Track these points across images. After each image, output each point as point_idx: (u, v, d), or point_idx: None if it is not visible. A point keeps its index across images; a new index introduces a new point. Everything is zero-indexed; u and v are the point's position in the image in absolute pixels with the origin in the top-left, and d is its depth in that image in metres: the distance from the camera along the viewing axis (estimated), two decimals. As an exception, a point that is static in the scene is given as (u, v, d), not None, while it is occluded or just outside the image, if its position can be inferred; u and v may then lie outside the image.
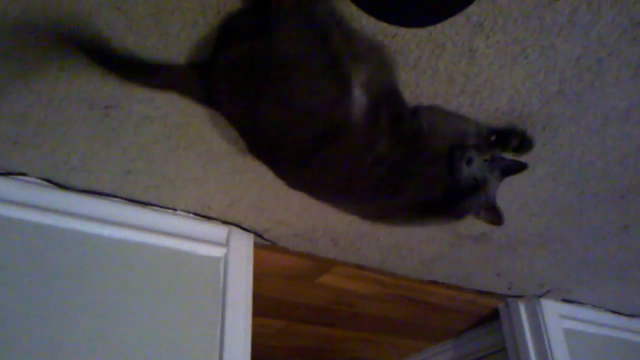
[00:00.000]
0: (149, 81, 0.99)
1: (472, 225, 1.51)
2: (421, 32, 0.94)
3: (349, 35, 0.91)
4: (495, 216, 1.18)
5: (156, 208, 1.38)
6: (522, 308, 2.00)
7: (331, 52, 0.89)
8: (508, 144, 1.15)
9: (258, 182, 1.29)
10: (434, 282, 1.87)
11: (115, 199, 1.33)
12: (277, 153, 1.03)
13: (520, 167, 1.18)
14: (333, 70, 0.91)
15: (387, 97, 0.99)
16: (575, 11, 0.91)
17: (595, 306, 2.11)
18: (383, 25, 0.92)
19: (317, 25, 0.87)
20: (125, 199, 1.34)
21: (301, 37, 0.87)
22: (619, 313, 2.17)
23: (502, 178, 1.16)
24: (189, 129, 1.13)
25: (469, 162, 1.08)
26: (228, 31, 0.91)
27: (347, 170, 1.05)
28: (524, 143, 1.16)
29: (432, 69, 1.02)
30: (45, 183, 1.26)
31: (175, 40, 0.94)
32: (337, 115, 0.95)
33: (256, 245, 1.53)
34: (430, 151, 1.09)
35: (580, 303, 2.07)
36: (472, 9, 0.89)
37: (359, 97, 0.95)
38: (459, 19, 0.91)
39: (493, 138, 1.16)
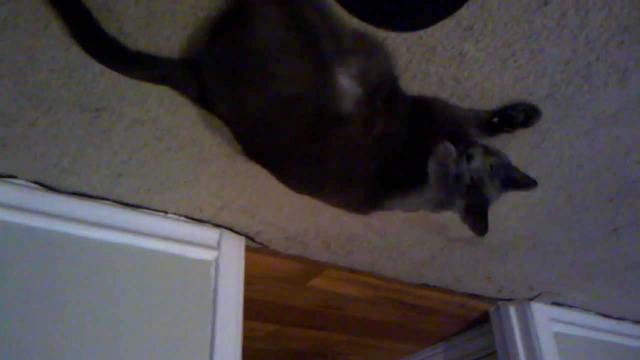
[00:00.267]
0: (146, 74, 0.98)
1: (462, 228, 1.51)
2: (411, 36, 0.95)
3: (337, 30, 0.91)
4: (480, 225, 1.10)
5: (147, 211, 1.38)
6: (512, 311, 2.01)
7: (306, 33, 0.88)
8: (514, 120, 1.10)
9: (249, 185, 1.29)
10: (425, 286, 1.87)
11: (105, 201, 1.32)
12: (272, 150, 1.03)
13: (528, 183, 1.12)
14: (310, 52, 0.90)
15: (382, 83, 0.99)
16: (564, 15, 0.92)
17: (585, 309, 2.12)
18: (374, 28, 0.93)
19: (291, 5, 0.87)
20: (116, 201, 1.33)
21: (276, 19, 0.87)
22: (609, 316, 2.18)
23: (504, 188, 1.09)
24: (180, 132, 1.13)
25: (470, 158, 1.02)
26: (212, 28, 0.91)
27: (349, 155, 1.03)
28: (530, 113, 1.10)
29: (423, 72, 1.03)
30: (34, 186, 1.25)
31: (167, 42, 0.94)
32: (327, 104, 0.95)
33: (247, 249, 1.53)
34: (429, 130, 1.05)
35: (570, 306, 2.08)
36: (462, 13, 0.90)
37: (352, 89, 0.95)
38: (449, 23, 0.92)
39: (495, 119, 1.11)
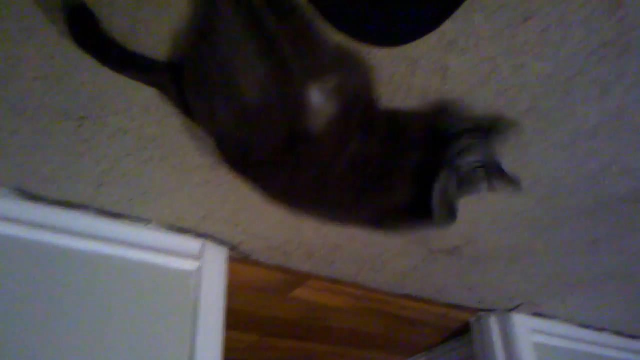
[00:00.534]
0: (139, 76, 0.98)
1: (444, 239, 1.53)
2: (395, 49, 0.95)
3: (316, 46, 0.91)
4: (509, 180, 1.08)
5: (129, 220, 1.37)
6: (493, 322, 2.02)
7: (266, 37, 0.87)
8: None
9: (232, 194, 1.29)
10: (407, 296, 1.88)
11: (87, 210, 1.31)
12: (249, 161, 1.02)
13: (496, 124, 1.11)
14: (270, 58, 0.89)
15: (359, 98, 0.99)
16: (546, 30, 0.93)
17: (565, 320, 2.14)
18: (357, 44, 0.93)
19: (248, 9, 0.86)
20: (98, 210, 1.32)
21: (235, 24, 0.86)
22: (589, 327, 2.20)
23: (494, 140, 1.10)
24: (164, 141, 1.13)
25: (469, 149, 1.03)
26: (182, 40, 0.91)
27: (323, 174, 1.03)
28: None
29: (406, 85, 1.03)
30: (15, 194, 1.23)
31: (153, 52, 0.93)
32: (297, 118, 0.94)
33: (230, 258, 1.53)
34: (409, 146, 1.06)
35: (550, 317, 2.10)
36: (445, 26, 0.91)
37: (325, 103, 0.94)
38: (432, 36, 0.93)
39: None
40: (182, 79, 0.95)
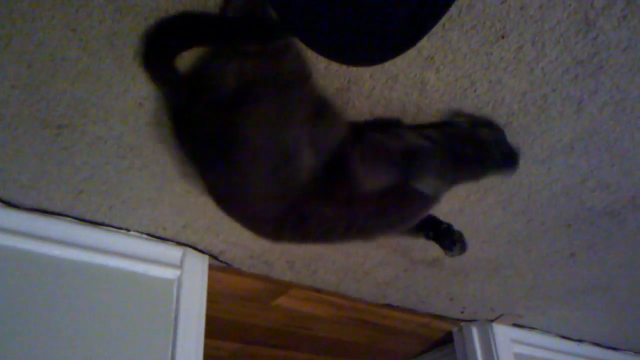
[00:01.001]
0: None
1: (425, 250, 1.54)
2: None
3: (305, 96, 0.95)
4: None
5: (109, 228, 1.37)
6: (474, 332, 2.03)
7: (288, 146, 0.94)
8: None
9: (213, 204, 1.29)
10: (389, 306, 1.88)
11: (66, 218, 1.31)
12: (224, 202, 1.06)
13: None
14: (288, 169, 0.96)
15: (334, 156, 1.02)
16: (521, 49, 0.95)
17: (544, 331, 2.15)
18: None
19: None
20: (77, 218, 1.32)
21: (267, 127, 0.91)
22: (567, 338, 2.22)
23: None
24: (143, 150, 1.13)
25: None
26: (209, 82, 0.93)
27: (277, 229, 1.09)
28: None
29: (386, 98, 1.04)
30: (-6, 201, 1.23)
31: (132, 63, 0.94)
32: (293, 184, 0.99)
33: (211, 267, 1.53)
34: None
35: (530, 328, 2.12)
36: (423, 43, 0.92)
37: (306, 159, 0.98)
38: (410, 53, 0.94)
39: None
40: (187, 118, 0.96)
